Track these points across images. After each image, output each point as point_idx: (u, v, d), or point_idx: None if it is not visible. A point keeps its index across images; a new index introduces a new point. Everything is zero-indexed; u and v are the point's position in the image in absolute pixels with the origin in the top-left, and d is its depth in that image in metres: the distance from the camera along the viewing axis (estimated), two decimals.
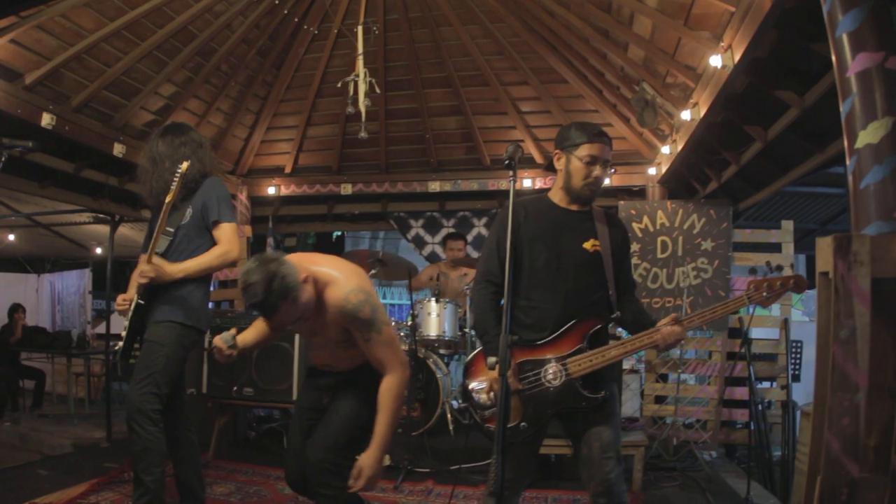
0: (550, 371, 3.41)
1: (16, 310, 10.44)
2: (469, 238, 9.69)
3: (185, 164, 4.19)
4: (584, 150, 3.51)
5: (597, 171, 3.52)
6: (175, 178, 4.16)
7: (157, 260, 4.25)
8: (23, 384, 9.91)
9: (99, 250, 13.33)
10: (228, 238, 4.42)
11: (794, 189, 9.03)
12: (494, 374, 3.05)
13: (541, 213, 3.63)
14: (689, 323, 3.41)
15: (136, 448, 4.11)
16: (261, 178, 10.03)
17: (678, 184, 8.68)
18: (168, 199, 4.17)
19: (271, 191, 9.91)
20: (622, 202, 8.44)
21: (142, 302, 4.30)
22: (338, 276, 3.59)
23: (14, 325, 10.33)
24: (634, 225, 8.05)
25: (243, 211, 9.84)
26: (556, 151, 3.66)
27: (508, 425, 3.27)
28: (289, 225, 11.16)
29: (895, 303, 2.58)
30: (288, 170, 9.95)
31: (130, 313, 4.33)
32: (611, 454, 3.39)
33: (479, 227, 10.13)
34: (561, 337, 3.45)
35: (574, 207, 3.64)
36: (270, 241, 10.42)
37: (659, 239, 8.05)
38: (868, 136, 2.83)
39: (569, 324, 3.45)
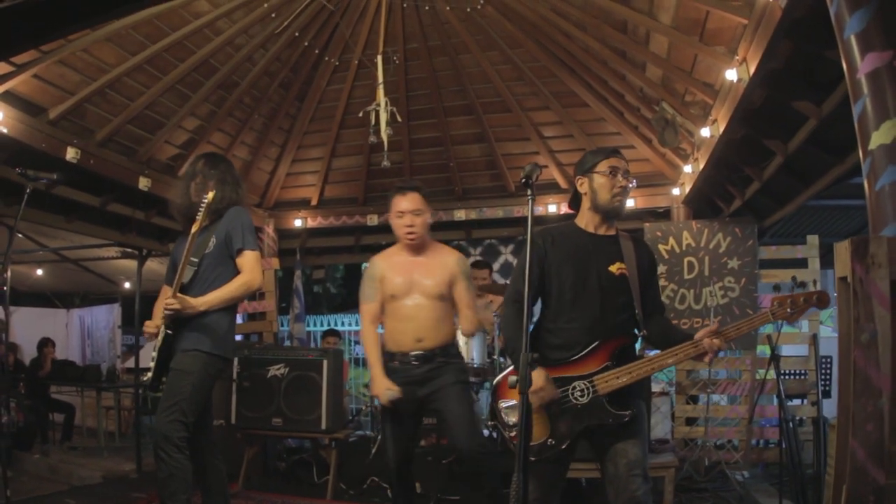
0: (578, 389, 3.41)
1: (45, 344, 10.53)
2: (496, 266, 9.67)
3: (210, 195, 4.26)
4: (604, 165, 3.62)
5: (621, 180, 3.59)
6: (201, 209, 4.22)
7: (180, 295, 4.29)
8: (52, 418, 9.97)
9: (127, 285, 13.39)
10: (251, 267, 4.47)
11: (817, 203, 8.95)
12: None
13: (567, 239, 3.68)
14: (726, 334, 3.35)
15: (163, 475, 4.14)
16: (287, 210, 10.09)
17: (702, 203, 8.65)
18: (194, 229, 4.24)
19: (298, 223, 9.97)
20: (647, 224, 8.40)
21: (170, 332, 4.35)
22: None
23: (43, 359, 10.42)
24: (661, 247, 8.02)
25: (270, 244, 9.89)
26: (578, 178, 3.74)
27: (536, 442, 3.36)
28: (316, 257, 11.19)
29: None
30: (314, 202, 10.01)
31: (158, 344, 4.38)
32: (638, 472, 3.36)
33: (506, 255, 10.12)
34: (588, 355, 3.46)
35: (601, 231, 3.70)
36: (298, 273, 10.46)
37: (685, 259, 8.01)
38: (881, 136, 2.81)
39: (595, 343, 3.46)
